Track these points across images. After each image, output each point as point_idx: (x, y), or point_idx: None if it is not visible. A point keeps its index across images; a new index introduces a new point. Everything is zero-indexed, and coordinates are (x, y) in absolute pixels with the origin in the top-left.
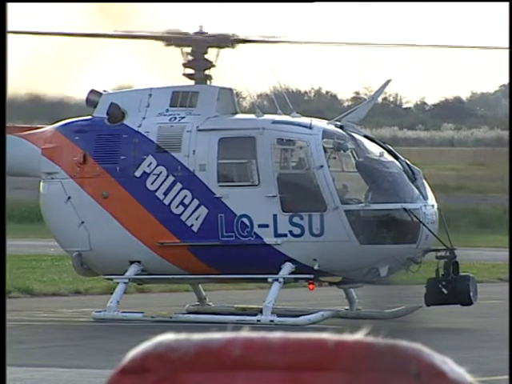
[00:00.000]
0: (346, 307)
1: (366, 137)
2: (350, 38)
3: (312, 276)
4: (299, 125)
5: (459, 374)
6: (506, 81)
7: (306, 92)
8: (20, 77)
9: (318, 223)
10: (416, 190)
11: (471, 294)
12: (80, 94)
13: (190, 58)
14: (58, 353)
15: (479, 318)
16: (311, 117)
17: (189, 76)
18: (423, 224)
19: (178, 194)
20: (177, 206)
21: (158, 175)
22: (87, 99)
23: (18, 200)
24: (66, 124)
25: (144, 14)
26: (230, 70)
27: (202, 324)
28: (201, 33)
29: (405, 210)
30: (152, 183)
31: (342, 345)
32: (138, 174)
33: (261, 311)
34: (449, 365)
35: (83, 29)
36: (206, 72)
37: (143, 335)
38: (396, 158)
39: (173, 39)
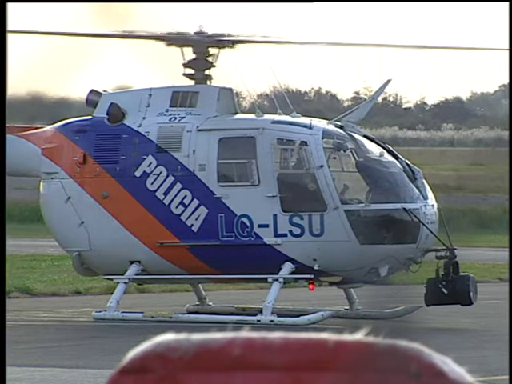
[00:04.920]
0: (346, 307)
1: (365, 137)
2: (349, 38)
3: (312, 276)
4: (299, 125)
5: (459, 374)
6: (506, 81)
7: (306, 92)
8: (20, 77)
9: (318, 223)
10: (416, 190)
11: (471, 294)
12: (80, 94)
13: (190, 57)
14: (57, 353)
15: (479, 318)
16: (311, 117)
17: (189, 76)
18: (423, 224)
19: (177, 193)
20: (177, 206)
21: (158, 175)
22: (87, 99)
23: (18, 200)
24: (65, 124)
25: (144, 14)
26: (229, 70)
27: (202, 324)
28: (201, 33)
29: (405, 209)
30: (152, 183)
31: (341, 345)
32: (138, 173)
33: (261, 311)
34: (449, 365)
35: (83, 29)
36: (206, 72)
37: (143, 335)
38: (396, 158)
39: (173, 39)
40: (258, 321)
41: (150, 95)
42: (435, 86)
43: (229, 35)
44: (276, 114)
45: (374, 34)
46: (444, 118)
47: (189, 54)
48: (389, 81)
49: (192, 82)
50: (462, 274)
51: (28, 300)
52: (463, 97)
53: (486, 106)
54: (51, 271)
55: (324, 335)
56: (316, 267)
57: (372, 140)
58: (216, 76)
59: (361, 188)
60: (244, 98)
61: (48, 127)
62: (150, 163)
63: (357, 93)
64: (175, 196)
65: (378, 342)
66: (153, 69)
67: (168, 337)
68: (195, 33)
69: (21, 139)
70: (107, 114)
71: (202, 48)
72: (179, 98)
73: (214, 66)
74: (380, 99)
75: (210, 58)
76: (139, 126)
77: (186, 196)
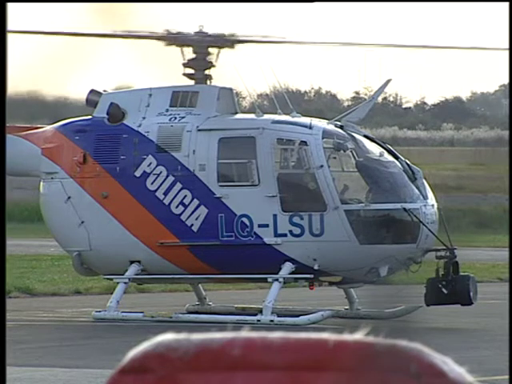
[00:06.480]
0: (346, 307)
1: (366, 137)
2: (349, 37)
3: (312, 276)
4: (299, 125)
5: (459, 374)
6: (506, 81)
7: (306, 92)
8: (20, 77)
9: (318, 223)
10: (416, 190)
11: (471, 294)
12: (80, 94)
13: (190, 57)
14: (57, 353)
15: (479, 318)
16: (311, 117)
17: (189, 76)
18: (423, 224)
19: (177, 193)
20: (177, 206)
21: (158, 175)
22: (87, 99)
23: (18, 200)
24: (65, 124)
25: (144, 14)
26: (230, 70)
27: (202, 324)
28: (201, 33)
29: (405, 210)
30: (152, 183)
31: (342, 345)
32: (138, 173)
33: (261, 311)
34: (449, 365)
35: (83, 29)
36: (206, 72)
37: (143, 335)
38: (396, 158)
39: (173, 39)
40: (258, 321)
41: (150, 95)
42: (435, 86)
43: (229, 35)
44: (276, 113)
45: (374, 33)
46: (444, 118)
47: (189, 54)
48: (389, 81)
49: (192, 82)
50: (461, 273)
51: (28, 300)
52: (463, 97)
53: (486, 105)
54: (51, 271)
55: (324, 335)
56: (316, 267)
57: (372, 140)
58: (216, 76)
59: (361, 188)
60: (244, 98)
61: (48, 127)
62: (150, 163)
63: (357, 93)
64: (175, 196)
65: (378, 342)
66: (153, 69)
67: (168, 337)
68: (195, 33)
69: (21, 139)
70: (107, 114)
71: (201, 48)
72: (179, 98)
73: (213, 66)
74: (380, 99)
75: (209, 58)
76: (139, 125)
77: (185, 196)
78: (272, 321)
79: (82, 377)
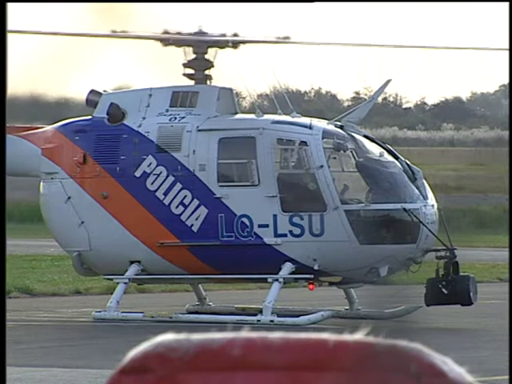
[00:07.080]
0: (346, 307)
1: (365, 137)
2: (350, 38)
3: (312, 276)
4: (299, 125)
5: (459, 374)
6: (506, 81)
7: (306, 92)
8: (20, 77)
9: (318, 223)
10: (416, 190)
11: (471, 293)
12: (80, 94)
13: (190, 57)
14: (57, 353)
15: (479, 318)
16: (311, 117)
17: (189, 76)
18: (423, 224)
19: (177, 194)
20: (177, 206)
21: (158, 175)
22: (87, 99)
23: (18, 200)
24: (65, 124)
25: (144, 14)
26: (230, 70)
27: (202, 324)
28: (201, 33)
29: (405, 210)
30: (152, 183)
31: (342, 345)
32: (138, 174)
33: (261, 311)
34: (449, 365)
35: (83, 29)
36: (206, 72)
37: (143, 335)
38: (396, 158)
39: (173, 39)
40: (258, 321)
41: (150, 95)
42: (435, 85)
43: (229, 35)
44: (276, 114)
45: (374, 33)
46: (444, 118)
47: (189, 54)
48: (389, 81)
49: (192, 82)
50: (461, 274)
51: (28, 300)
52: (463, 97)
53: (486, 105)
54: (51, 271)
55: (324, 335)
56: (316, 267)
57: (372, 140)
58: (216, 76)
59: (361, 188)
60: (244, 98)
61: (48, 127)
62: (150, 163)
63: (357, 93)
64: (175, 196)
65: (378, 342)
66: (153, 69)
67: (168, 337)
68: (195, 33)
69: (21, 139)
70: (107, 114)
71: (201, 48)
72: (179, 98)
73: (213, 66)
74: (380, 99)
75: (210, 58)
76: (139, 126)
77: (185, 196)
78: (272, 321)
79: (82, 377)
